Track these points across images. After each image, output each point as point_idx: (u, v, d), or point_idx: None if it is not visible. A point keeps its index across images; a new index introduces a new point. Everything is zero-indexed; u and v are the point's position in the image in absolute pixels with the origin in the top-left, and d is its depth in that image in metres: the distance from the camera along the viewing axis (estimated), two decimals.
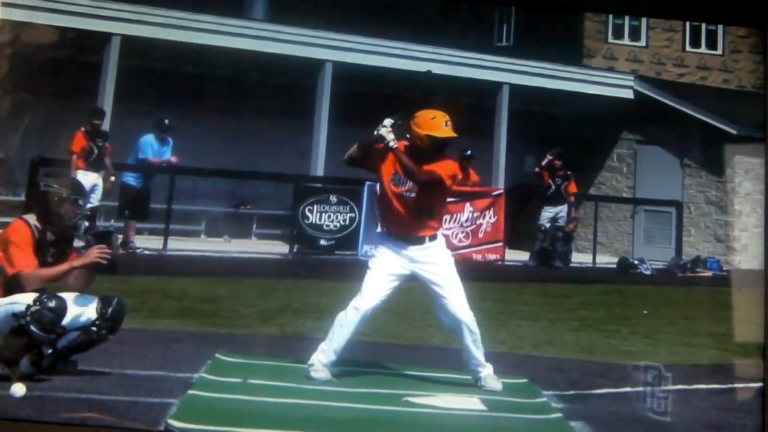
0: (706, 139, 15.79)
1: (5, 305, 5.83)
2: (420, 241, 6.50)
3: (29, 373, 5.86)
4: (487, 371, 6.53)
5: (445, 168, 6.53)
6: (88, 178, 11.48)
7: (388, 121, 6.46)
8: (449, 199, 13.70)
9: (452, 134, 6.50)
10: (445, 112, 6.53)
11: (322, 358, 6.44)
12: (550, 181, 14.37)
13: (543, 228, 14.45)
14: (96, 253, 6.00)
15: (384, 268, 6.48)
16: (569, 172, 14.40)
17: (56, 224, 6.10)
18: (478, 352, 6.51)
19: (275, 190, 15.01)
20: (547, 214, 14.41)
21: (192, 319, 8.40)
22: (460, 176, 6.90)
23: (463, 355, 6.53)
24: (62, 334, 5.97)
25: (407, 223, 6.52)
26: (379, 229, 6.94)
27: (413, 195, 6.51)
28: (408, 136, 6.57)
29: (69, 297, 6.00)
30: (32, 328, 5.81)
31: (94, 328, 6.05)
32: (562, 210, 14.41)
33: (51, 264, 6.10)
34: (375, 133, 6.56)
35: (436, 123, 6.47)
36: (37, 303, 5.84)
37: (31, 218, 6.08)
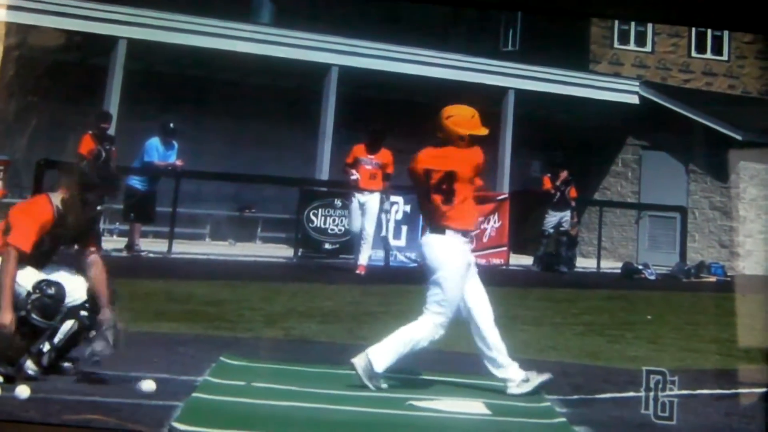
0: (711, 145, 15.78)
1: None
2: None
3: (33, 375, 5.86)
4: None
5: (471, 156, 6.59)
6: None
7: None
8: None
9: (486, 130, 6.60)
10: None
11: (383, 358, 6.20)
12: (554, 188, 14.38)
13: (547, 233, 14.46)
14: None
15: (464, 275, 6.26)
16: (570, 177, 14.42)
17: (77, 208, 6.01)
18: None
19: (280, 194, 15.02)
20: (552, 219, 14.42)
21: (196, 322, 8.39)
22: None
23: (489, 341, 6.40)
24: (64, 318, 5.92)
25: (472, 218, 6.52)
26: (447, 229, 6.41)
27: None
28: (441, 133, 6.51)
29: (61, 278, 5.96)
30: (34, 316, 5.80)
31: (84, 312, 6.00)
32: (565, 215, 14.42)
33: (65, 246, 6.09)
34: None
35: (474, 122, 6.48)
36: (37, 291, 5.82)
37: (56, 198, 6.00)
